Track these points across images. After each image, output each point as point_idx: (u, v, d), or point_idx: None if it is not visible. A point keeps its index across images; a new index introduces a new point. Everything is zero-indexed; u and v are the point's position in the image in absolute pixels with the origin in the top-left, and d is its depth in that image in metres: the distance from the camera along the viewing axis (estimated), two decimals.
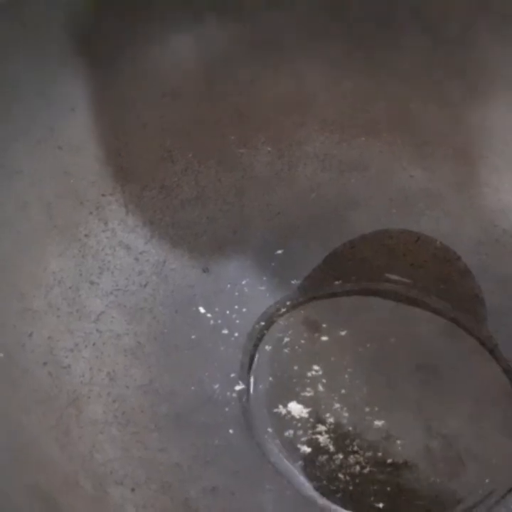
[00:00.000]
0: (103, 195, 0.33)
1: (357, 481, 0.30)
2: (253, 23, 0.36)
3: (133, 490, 0.27)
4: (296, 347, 0.33)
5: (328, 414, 0.31)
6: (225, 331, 0.33)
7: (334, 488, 0.30)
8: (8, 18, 0.30)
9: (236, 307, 0.34)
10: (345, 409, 0.32)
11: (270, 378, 0.32)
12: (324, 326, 0.34)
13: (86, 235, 0.32)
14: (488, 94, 0.37)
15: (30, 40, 0.30)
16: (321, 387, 0.32)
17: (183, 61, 0.35)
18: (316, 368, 0.33)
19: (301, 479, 0.30)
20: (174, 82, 0.35)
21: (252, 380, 0.32)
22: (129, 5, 0.33)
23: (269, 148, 0.37)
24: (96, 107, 0.33)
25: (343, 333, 0.34)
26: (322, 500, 0.29)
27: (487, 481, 0.30)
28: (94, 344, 0.30)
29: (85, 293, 0.31)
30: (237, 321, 0.34)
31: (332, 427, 0.31)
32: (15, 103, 0.30)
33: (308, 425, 0.31)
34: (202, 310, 0.33)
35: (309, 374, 0.32)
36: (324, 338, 0.34)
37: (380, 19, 0.36)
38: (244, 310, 0.34)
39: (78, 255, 0.31)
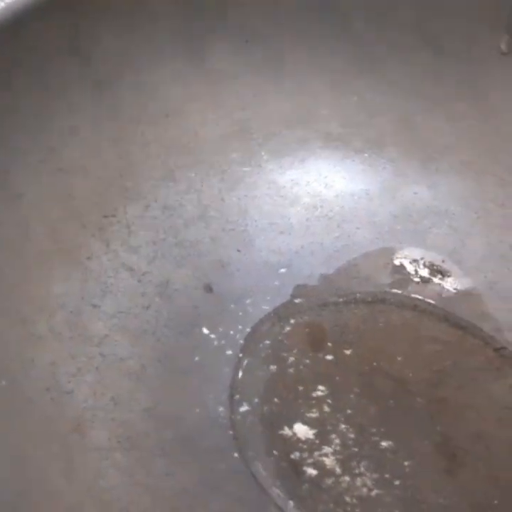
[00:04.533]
0: (105, 216, 0.33)
1: (364, 503, 0.29)
2: (255, 38, 0.36)
3: None
4: (301, 367, 0.33)
5: (334, 435, 0.31)
6: (229, 352, 0.33)
7: (341, 511, 0.29)
8: (8, 40, 0.29)
9: (240, 327, 0.34)
10: (351, 429, 0.31)
11: (275, 399, 0.32)
12: (329, 345, 0.34)
13: (88, 258, 0.32)
14: (494, 107, 0.36)
15: (31, 61, 0.30)
16: (326, 408, 0.32)
17: (186, 79, 0.35)
18: (321, 388, 0.32)
19: (308, 502, 0.29)
20: (176, 100, 0.35)
21: (256, 401, 0.32)
22: (130, 25, 0.33)
23: (271, 167, 0.36)
24: (98, 127, 0.33)
25: (348, 352, 0.33)
26: None
27: (495, 502, 0.30)
28: (97, 368, 0.30)
29: (88, 317, 0.31)
30: (241, 342, 0.33)
31: (338, 448, 0.31)
32: (15, 124, 0.30)
33: (315, 447, 0.31)
34: (205, 331, 0.33)
35: (314, 394, 0.32)
36: (329, 358, 0.33)
37: (382, 33, 0.36)
38: (248, 330, 0.34)
39: (80, 278, 0.31)
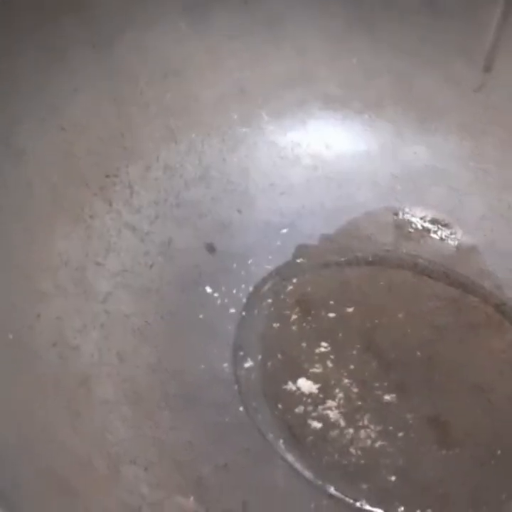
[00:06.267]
0: (107, 176, 0.33)
1: (368, 455, 0.30)
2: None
3: (146, 469, 0.27)
4: (304, 324, 0.33)
5: (337, 390, 0.31)
6: (232, 310, 0.33)
7: (346, 462, 0.30)
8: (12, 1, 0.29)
9: (243, 286, 0.34)
10: (354, 384, 0.32)
11: (279, 355, 0.32)
12: (331, 302, 0.34)
13: (91, 217, 0.32)
14: (492, 68, 0.36)
15: (33, 22, 0.30)
16: (329, 363, 0.32)
17: (185, 40, 0.35)
18: (324, 344, 0.33)
19: (313, 454, 0.30)
20: (176, 61, 0.35)
21: (260, 357, 0.32)
22: None
23: (272, 128, 0.36)
24: (97, 87, 0.33)
25: (350, 309, 0.34)
26: (334, 474, 0.29)
27: (498, 452, 0.30)
28: (102, 325, 0.30)
29: (92, 274, 0.31)
30: (244, 300, 0.34)
31: (342, 402, 0.31)
32: (16, 82, 0.30)
33: (318, 401, 0.31)
34: (208, 289, 0.33)
35: (317, 350, 0.32)
36: (332, 315, 0.34)
37: None
38: (250, 289, 0.34)
39: (84, 236, 0.31)
